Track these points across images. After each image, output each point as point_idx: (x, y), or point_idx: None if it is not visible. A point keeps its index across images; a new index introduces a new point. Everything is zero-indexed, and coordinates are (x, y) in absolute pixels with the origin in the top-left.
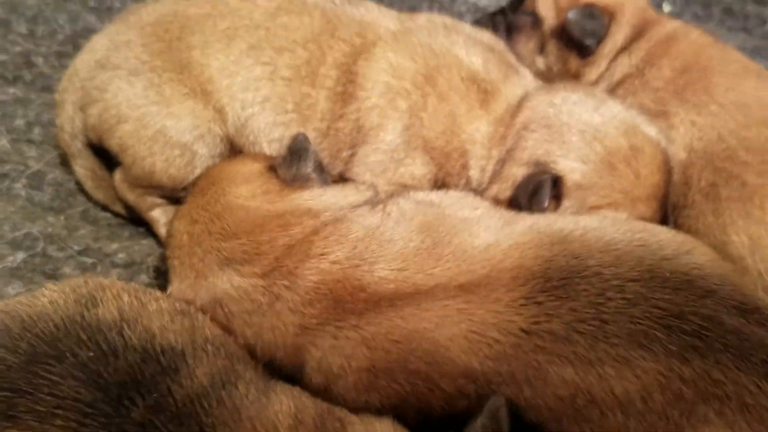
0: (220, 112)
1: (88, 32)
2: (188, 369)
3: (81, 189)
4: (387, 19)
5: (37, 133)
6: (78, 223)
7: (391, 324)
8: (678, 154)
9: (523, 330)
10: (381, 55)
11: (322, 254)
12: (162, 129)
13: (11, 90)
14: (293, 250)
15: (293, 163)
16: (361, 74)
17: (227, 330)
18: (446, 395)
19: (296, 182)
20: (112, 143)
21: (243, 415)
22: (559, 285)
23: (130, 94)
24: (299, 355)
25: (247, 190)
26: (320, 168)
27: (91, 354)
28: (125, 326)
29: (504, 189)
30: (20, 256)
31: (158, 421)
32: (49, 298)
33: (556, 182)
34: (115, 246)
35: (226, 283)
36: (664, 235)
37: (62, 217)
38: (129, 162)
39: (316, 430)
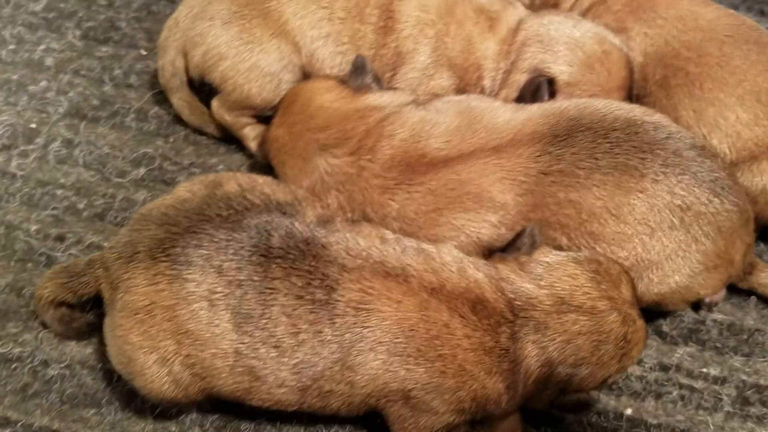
0: (296, 46)
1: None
2: (299, 212)
3: (178, 119)
4: None
5: (133, 80)
6: (182, 145)
7: (447, 178)
8: (637, 58)
9: (540, 172)
10: None
11: (391, 135)
12: (256, 62)
13: (104, 48)
14: (370, 133)
15: (358, 76)
16: (397, 11)
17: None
18: (492, 225)
19: (361, 89)
20: (215, 76)
21: (344, 234)
22: (563, 138)
23: (227, 38)
24: (382, 209)
25: (330, 96)
26: (377, 79)
27: (230, 212)
28: (246, 193)
29: (511, 92)
30: (142, 170)
31: (292, 242)
32: (186, 189)
33: (551, 82)
34: (214, 160)
35: (325, 163)
36: (632, 105)
37: (170, 140)
38: (229, 89)
39: (396, 240)
